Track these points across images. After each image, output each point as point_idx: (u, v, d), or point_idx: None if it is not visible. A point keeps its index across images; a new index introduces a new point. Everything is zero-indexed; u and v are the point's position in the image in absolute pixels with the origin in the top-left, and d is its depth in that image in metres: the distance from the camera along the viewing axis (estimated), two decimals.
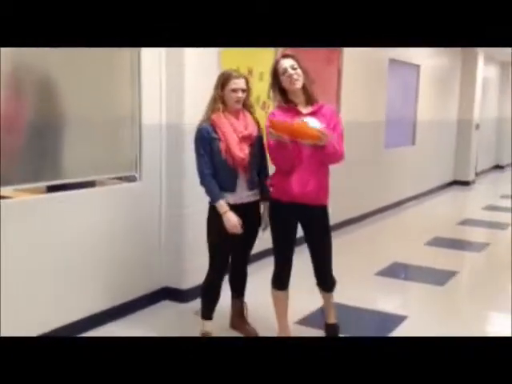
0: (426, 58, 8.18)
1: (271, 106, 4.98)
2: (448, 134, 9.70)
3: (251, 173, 3.02)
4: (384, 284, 4.46)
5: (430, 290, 4.31)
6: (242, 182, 2.99)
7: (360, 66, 6.23)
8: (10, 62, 2.81)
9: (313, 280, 3.11)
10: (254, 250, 3.28)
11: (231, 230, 2.91)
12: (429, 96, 8.52)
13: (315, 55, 5.48)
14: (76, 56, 3.12)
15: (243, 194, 3.00)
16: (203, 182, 2.96)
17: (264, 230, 3.13)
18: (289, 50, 3.01)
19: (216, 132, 2.92)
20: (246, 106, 3.04)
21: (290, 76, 2.82)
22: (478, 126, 10.12)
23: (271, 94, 2.97)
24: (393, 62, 7.06)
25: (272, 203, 3.00)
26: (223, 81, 2.93)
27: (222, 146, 2.91)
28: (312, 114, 2.88)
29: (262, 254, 4.84)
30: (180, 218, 3.77)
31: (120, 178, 3.64)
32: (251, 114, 3.08)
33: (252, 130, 3.01)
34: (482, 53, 9.91)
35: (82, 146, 3.27)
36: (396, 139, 7.60)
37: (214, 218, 2.96)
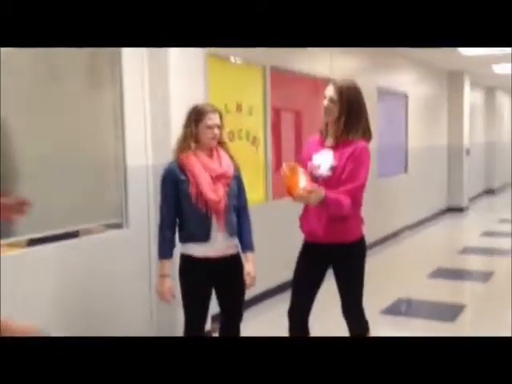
0: (413, 86, 8.15)
1: (261, 142, 4.83)
2: (439, 161, 9.62)
3: (228, 217, 2.62)
4: (392, 323, 4.20)
5: (441, 328, 4.05)
6: (216, 230, 2.59)
7: None
8: None
9: None
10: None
11: (159, 297, 2.65)
12: (418, 123, 8.46)
13: (302, 86, 5.34)
14: (50, 93, 2.91)
15: (219, 245, 2.61)
16: (158, 235, 2.67)
17: (248, 288, 2.75)
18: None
19: (184, 173, 2.58)
20: (220, 142, 2.70)
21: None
22: (468, 151, 10.05)
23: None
24: (381, 91, 6.98)
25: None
26: (197, 116, 2.61)
27: (192, 188, 2.56)
28: (331, 147, 2.63)
29: (258, 299, 4.56)
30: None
31: (106, 225, 3.39)
32: (225, 150, 2.74)
33: (227, 167, 2.66)
34: (467, 78, 9.93)
35: (62, 193, 3.02)
36: (388, 168, 7.46)
37: (183, 271, 2.65)
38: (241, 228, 2.72)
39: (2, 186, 2.69)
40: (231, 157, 2.74)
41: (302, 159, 2.73)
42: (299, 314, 2.72)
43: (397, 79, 7.56)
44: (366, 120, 2.69)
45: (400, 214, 7.71)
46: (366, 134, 2.68)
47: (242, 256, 2.73)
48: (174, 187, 2.59)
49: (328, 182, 2.57)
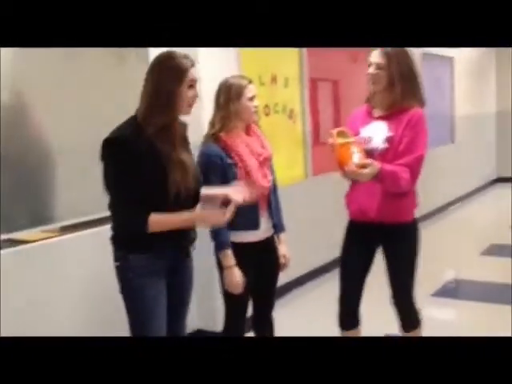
0: (459, 49, 7.63)
1: (299, 115, 4.55)
2: (488, 128, 9.08)
3: (270, 201, 2.50)
4: (444, 307, 3.92)
5: (497, 310, 3.74)
6: (263, 216, 2.45)
7: None
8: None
9: None
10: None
11: (233, 290, 2.36)
12: (465, 88, 7.95)
13: (338, 53, 4.99)
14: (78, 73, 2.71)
15: (262, 230, 2.46)
16: None
17: (282, 270, 2.61)
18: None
19: (230, 156, 2.35)
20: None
21: None
22: None
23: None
24: (426, 55, 6.53)
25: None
26: (237, 90, 2.36)
27: (241, 173, 2.35)
28: (383, 118, 2.41)
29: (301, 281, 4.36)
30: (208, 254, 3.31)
31: None
32: (258, 127, 2.53)
33: (270, 149, 2.48)
34: None
35: (95, 178, 2.86)
36: (434, 138, 7.03)
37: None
38: (273, 209, 2.53)
39: (39, 177, 2.61)
40: (262, 132, 2.54)
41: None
42: (350, 301, 2.54)
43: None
44: (419, 84, 2.45)
45: (446, 187, 7.30)
46: (420, 101, 2.44)
47: (280, 236, 2.57)
48: (220, 172, 2.33)
49: (384, 155, 2.35)
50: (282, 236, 2.58)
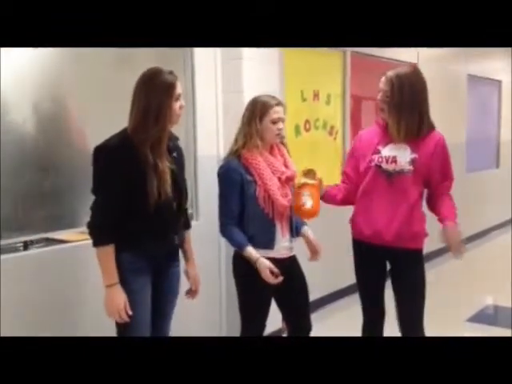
0: (506, 72, 7.49)
1: (340, 132, 4.58)
2: None
3: (291, 222, 2.46)
4: (478, 333, 3.82)
5: None
6: (280, 235, 2.41)
7: (436, 82, 5.66)
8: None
9: None
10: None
11: (270, 280, 2.30)
12: (511, 113, 7.77)
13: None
14: (121, 79, 2.83)
15: (281, 249, 2.42)
16: (224, 234, 2.42)
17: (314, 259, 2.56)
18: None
19: (250, 173, 2.36)
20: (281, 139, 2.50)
21: None
22: None
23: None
24: (472, 77, 6.45)
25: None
26: (261, 110, 2.37)
27: (260, 191, 2.34)
28: (405, 140, 2.37)
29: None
30: None
31: None
32: (284, 146, 2.52)
33: (294, 169, 2.45)
34: None
35: None
36: (478, 162, 6.91)
37: (243, 271, 2.39)
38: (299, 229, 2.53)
39: (79, 180, 2.70)
40: (288, 152, 2.53)
41: (362, 152, 2.47)
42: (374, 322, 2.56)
43: (489, 65, 6.96)
44: (426, 112, 2.39)
45: (490, 212, 7.13)
46: (430, 124, 2.42)
47: (303, 231, 2.53)
48: (239, 187, 2.35)
49: (408, 177, 2.36)
50: (306, 227, 2.54)
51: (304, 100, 4.08)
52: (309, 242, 2.53)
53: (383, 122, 2.45)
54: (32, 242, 2.65)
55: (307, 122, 4.12)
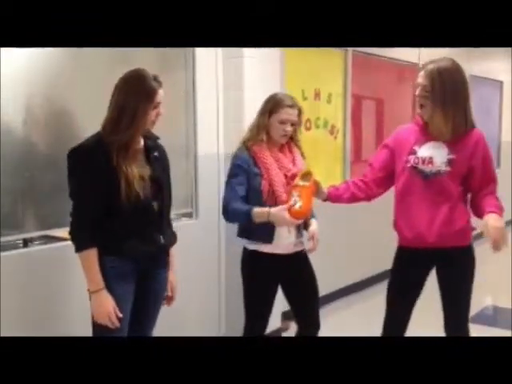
0: (508, 73, 7.49)
1: (340, 131, 4.57)
2: None
3: None
4: (478, 333, 3.81)
5: None
6: (282, 230, 2.38)
7: None
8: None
9: None
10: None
11: (289, 222, 2.26)
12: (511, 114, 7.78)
13: (385, 72, 5.00)
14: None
15: (285, 244, 2.42)
16: (227, 211, 2.33)
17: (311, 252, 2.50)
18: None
19: (257, 166, 2.37)
20: (293, 139, 2.48)
21: None
22: None
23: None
24: (473, 78, 6.44)
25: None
26: (272, 107, 2.37)
27: (265, 185, 2.34)
28: (442, 139, 2.30)
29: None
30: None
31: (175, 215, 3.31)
32: (298, 147, 2.51)
33: (302, 167, 2.44)
34: None
35: None
36: None
37: (251, 271, 2.43)
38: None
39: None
40: (302, 154, 2.53)
41: (397, 151, 2.38)
42: (397, 327, 2.47)
43: (491, 66, 6.96)
44: (469, 107, 2.31)
45: None
46: (471, 122, 2.32)
47: (309, 221, 2.49)
48: (246, 178, 2.36)
49: (445, 178, 2.28)
50: (312, 219, 2.50)
51: (305, 99, 4.08)
52: (309, 232, 2.49)
53: (422, 120, 2.35)
54: (32, 240, 2.66)
55: (308, 121, 4.12)
